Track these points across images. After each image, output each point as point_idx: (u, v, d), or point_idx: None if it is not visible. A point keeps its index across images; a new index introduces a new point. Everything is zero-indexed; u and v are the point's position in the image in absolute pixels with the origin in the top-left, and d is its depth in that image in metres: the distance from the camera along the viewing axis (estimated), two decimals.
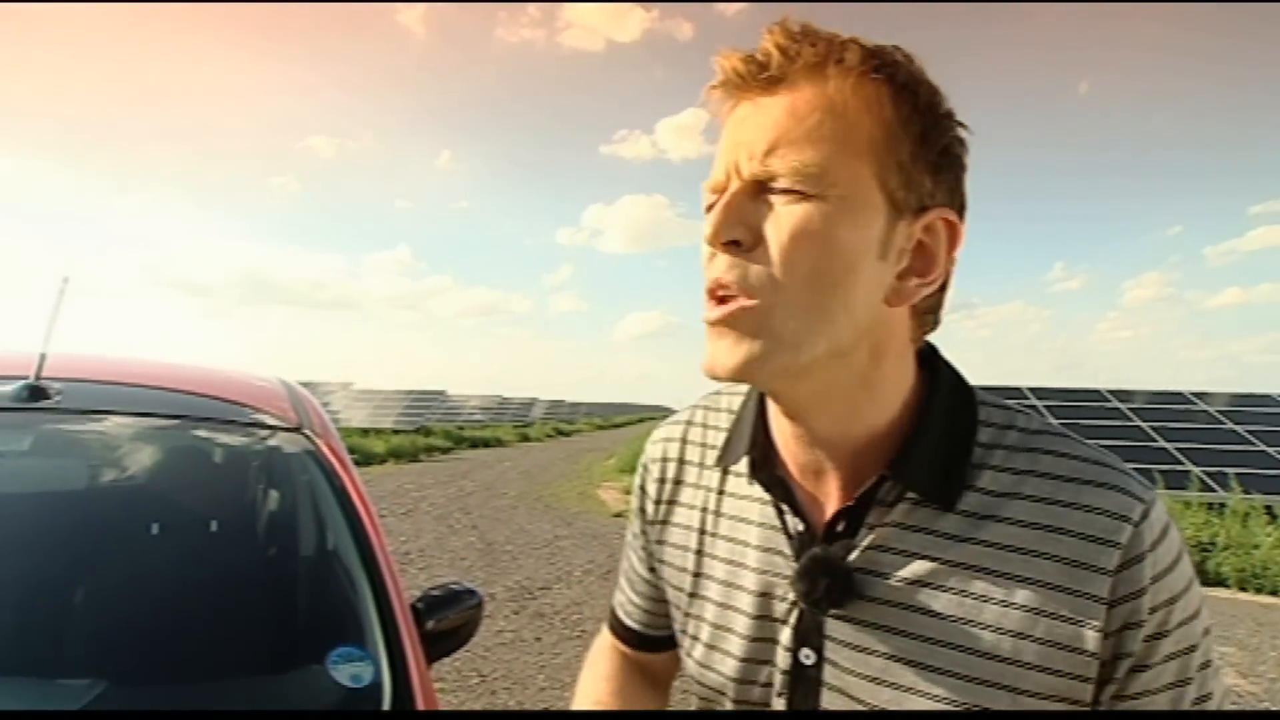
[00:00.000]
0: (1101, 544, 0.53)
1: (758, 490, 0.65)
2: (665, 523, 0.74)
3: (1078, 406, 10.80)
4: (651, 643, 0.80)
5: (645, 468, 0.77)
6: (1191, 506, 8.03)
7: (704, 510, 0.70)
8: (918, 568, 0.57)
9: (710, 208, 0.56)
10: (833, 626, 0.60)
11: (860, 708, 0.59)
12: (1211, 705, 0.55)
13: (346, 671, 1.17)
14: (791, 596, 0.62)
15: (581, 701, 0.78)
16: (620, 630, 0.82)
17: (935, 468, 0.58)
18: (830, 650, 0.60)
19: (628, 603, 0.81)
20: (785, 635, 0.62)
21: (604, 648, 0.85)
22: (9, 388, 1.40)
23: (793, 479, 0.63)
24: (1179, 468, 9.01)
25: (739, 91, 0.56)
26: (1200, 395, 11.08)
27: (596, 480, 13.97)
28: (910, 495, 0.58)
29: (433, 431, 24.15)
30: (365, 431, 21.82)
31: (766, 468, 0.64)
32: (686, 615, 0.70)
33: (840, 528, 0.60)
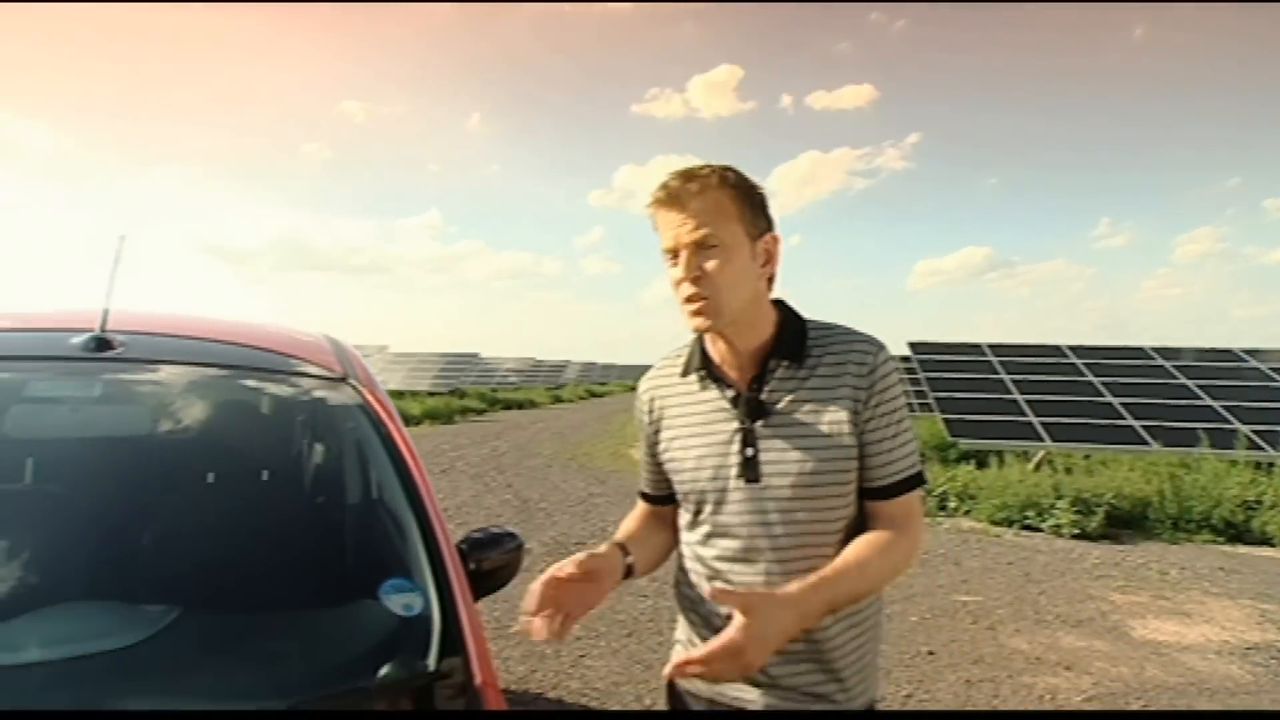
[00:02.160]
0: (861, 366, 1.19)
1: (706, 385, 1.27)
2: (657, 428, 1.34)
3: (1121, 365, 10.58)
4: (659, 500, 1.40)
5: (638, 404, 1.39)
6: (1237, 465, 7.86)
7: (677, 408, 1.31)
8: (791, 397, 1.20)
9: (674, 256, 1.19)
10: (759, 432, 1.20)
11: (781, 470, 1.18)
12: (907, 435, 1.19)
13: (398, 601, 1.24)
14: (735, 424, 1.22)
15: (622, 530, 1.37)
16: (644, 495, 1.44)
17: (792, 349, 1.22)
18: (761, 445, 1.20)
19: (644, 480, 1.43)
20: (735, 445, 1.22)
21: (636, 507, 1.45)
22: (78, 339, 1.48)
23: (723, 372, 1.26)
24: (1226, 426, 8.81)
25: (662, 205, 1.20)
26: (1252, 352, 10.75)
27: (629, 440, 14.11)
28: (783, 363, 1.22)
29: (467, 394, 24.53)
30: (401, 394, 22.26)
31: (709, 371, 1.27)
32: (676, 461, 1.29)
33: (752, 389, 1.22)
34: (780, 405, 1.19)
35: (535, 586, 1.13)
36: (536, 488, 8.92)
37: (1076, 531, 6.91)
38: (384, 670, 1.13)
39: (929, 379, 10.21)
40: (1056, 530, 6.97)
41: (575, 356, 51.18)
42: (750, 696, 1.23)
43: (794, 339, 1.22)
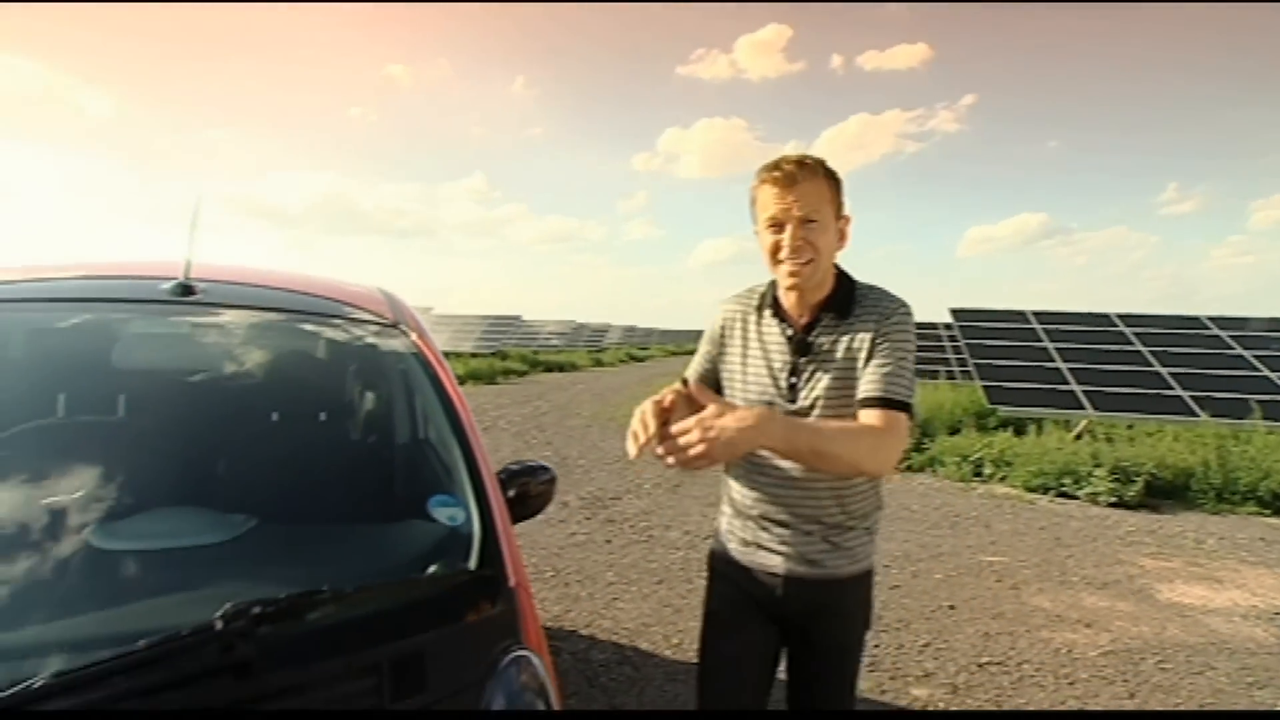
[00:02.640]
0: (882, 315, 1.51)
1: (772, 322, 1.60)
2: (724, 342, 1.67)
3: (1172, 334, 10.29)
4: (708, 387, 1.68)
5: (715, 320, 1.70)
6: None
7: (745, 333, 1.64)
8: (832, 340, 1.53)
9: (777, 227, 1.50)
10: (802, 365, 1.54)
11: (814, 397, 1.50)
12: (904, 370, 1.46)
13: (444, 514, 1.42)
14: (786, 356, 1.56)
15: (656, 395, 1.51)
16: (688, 380, 1.65)
17: (841, 305, 1.55)
18: (802, 375, 1.54)
19: (693, 373, 1.71)
20: (784, 372, 1.56)
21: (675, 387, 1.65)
22: (165, 285, 1.68)
23: (787, 315, 1.58)
24: None
25: (776, 184, 1.49)
26: None
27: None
28: (832, 315, 1.55)
29: (509, 355, 24.96)
30: (445, 355, 22.73)
31: (777, 311, 1.60)
32: (732, 371, 1.64)
33: (805, 332, 1.55)
34: (823, 347, 1.53)
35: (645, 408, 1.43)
36: (575, 446, 9.18)
37: (1114, 500, 6.87)
38: (432, 568, 1.32)
39: (970, 345, 10.11)
40: (1093, 498, 6.95)
41: (616, 321, 51.40)
42: (772, 562, 1.59)
43: (844, 297, 1.55)
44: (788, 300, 1.57)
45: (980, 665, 3.36)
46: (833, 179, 1.51)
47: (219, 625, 1.01)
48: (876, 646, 3.50)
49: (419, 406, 1.77)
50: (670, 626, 3.66)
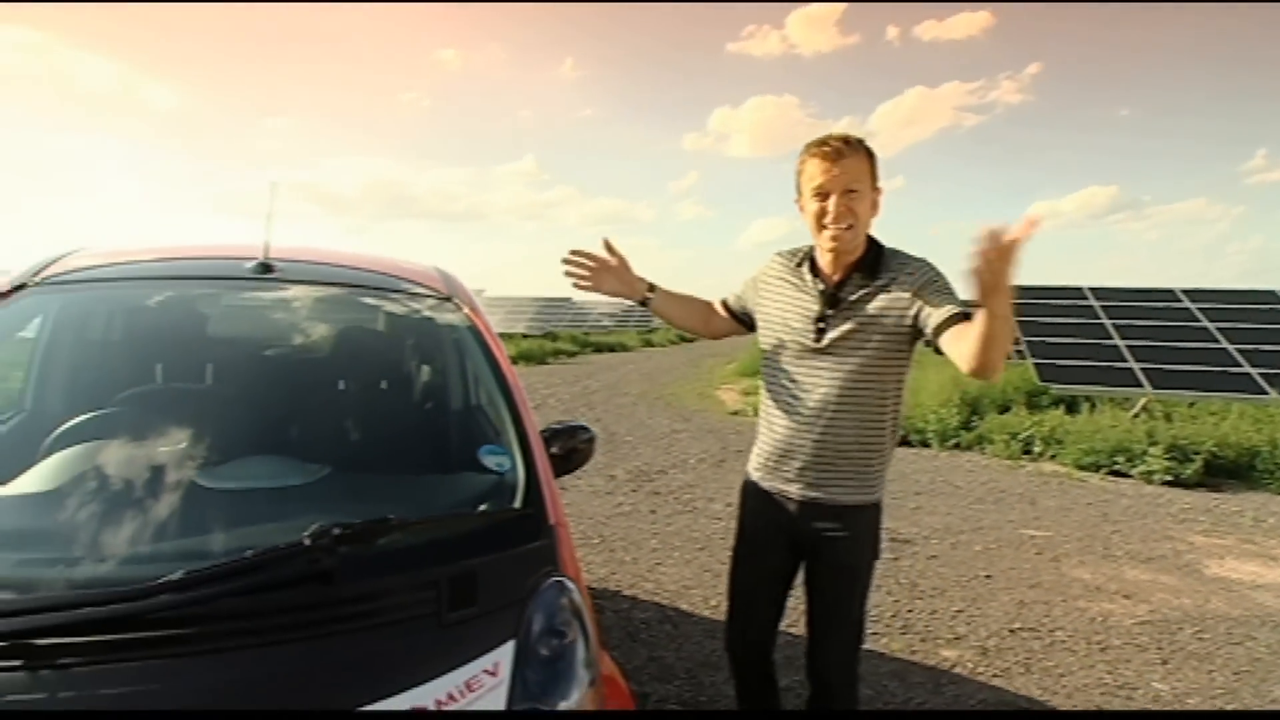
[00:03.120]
0: (914, 274, 1.76)
1: (808, 276, 1.86)
2: (763, 290, 1.95)
3: (1244, 310, 9.87)
4: (722, 308, 2.08)
5: (760, 270, 1.99)
6: None
7: (783, 282, 1.91)
8: (858, 296, 1.79)
9: (823, 196, 1.75)
10: (832, 317, 1.80)
11: (837, 343, 1.78)
12: (957, 295, 1.71)
13: (492, 461, 1.62)
14: (817, 307, 1.82)
15: (663, 299, 2.08)
16: (723, 303, 2.08)
17: (870, 267, 1.81)
18: (829, 324, 1.79)
19: (731, 297, 2.06)
20: (812, 320, 1.81)
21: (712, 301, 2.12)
22: (248, 264, 1.91)
23: (822, 271, 1.85)
24: None
25: (824, 158, 1.74)
26: None
27: (716, 382, 14.40)
28: (860, 275, 1.81)
29: (559, 336, 25.34)
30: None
31: (813, 267, 1.86)
32: (767, 315, 1.92)
33: (835, 287, 1.82)
34: (851, 300, 1.79)
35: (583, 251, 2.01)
36: (623, 423, 9.40)
37: (1169, 478, 6.74)
38: (482, 507, 1.52)
39: (1021, 323, 9.92)
40: (1147, 476, 6.83)
41: None
42: (791, 489, 1.86)
43: (873, 261, 1.81)
44: (824, 260, 1.84)
45: (1012, 631, 3.44)
46: (871, 156, 1.77)
47: (307, 542, 1.21)
48: (910, 611, 3.62)
49: (471, 371, 1.97)
50: (710, 589, 3.83)
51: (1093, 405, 8.47)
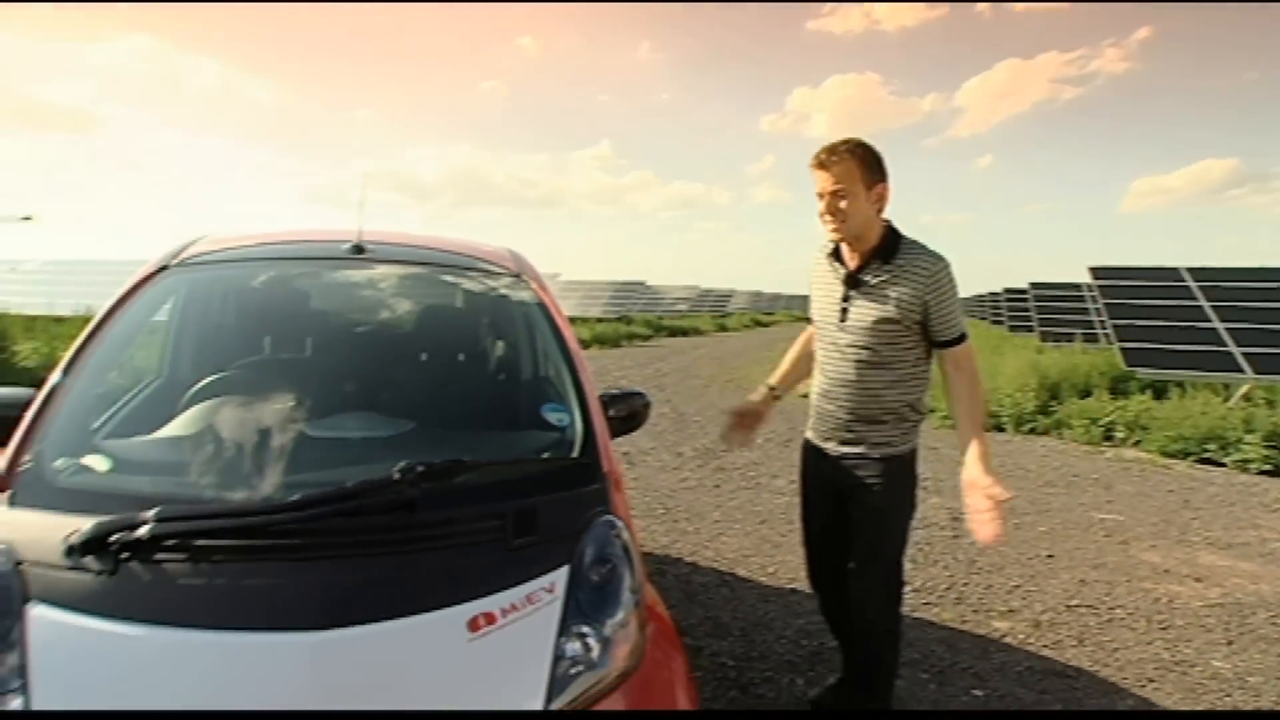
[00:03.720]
0: (926, 272, 2.03)
1: (834, 264, 2.17)
2: (812, 280, 2.27)
3: None
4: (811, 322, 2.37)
5: (810, 264, 2.29)
6: None
7: (819, 272, 2.23)
8: (875, 280, 2.07)
9: (820, 198, 2.07)
10: (851, 296, 2.10)
11: (858, 320, 2.08)
12: (955, 314, 2.05)
13: (553, 417, 1.84)
14: (841, 290, 2.13)
15: (777, 371, 2.50)
16: (813, 320, 2.31)
17: (884, 253, 2.08)
18: (850, 304, 2.11)
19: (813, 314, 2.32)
20: (838, 301, 2.14)
21: (806, 330, 2.44)
22: (344, 246, 2.18)
23: (845, 258, 2.14)
24: None
25: (816, 167, 2.07)
26: None
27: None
28: (876, 261, 2.08)
29: (633, 320, 25.66)
30: (572, 319, 23.75)
31: (838, 256, 2.16)
32: (813, 301, 2.26)
33: (855, 271, 2.11)
34: (869, 284, 2.07)
35: (726, 418, 2.40)
36: (693, 403, 9.57)
37: (1268, 467, 6.43)
38: (544, 455, 1.73)
39: (1109, 306, 9.53)
40: (1242, 465, 6.53)
41: (742, 286, 51.08)
42: (829, 445, 2.19)
43: (888, 248, 2.07)
44: (845, 249, 2.14)
45: (1069, 607, 3.46)
46: (863, 158, 2.03)
47: (395, 476, 1.45)
48: (965, 585, 3.67)
49: (537, 341, 2.20)
50: (768, 558, 3.98)
51: (1183, 390, 8.10)
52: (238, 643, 1.25)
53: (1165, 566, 4.04)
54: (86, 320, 2.00)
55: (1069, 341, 12.08)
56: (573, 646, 1.41)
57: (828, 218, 2.06)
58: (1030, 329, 15.68)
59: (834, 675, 2.58)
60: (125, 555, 1.31)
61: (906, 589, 3.48)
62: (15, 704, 1.18)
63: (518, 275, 2.29)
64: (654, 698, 1.48)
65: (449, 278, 2.28)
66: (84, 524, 1.34)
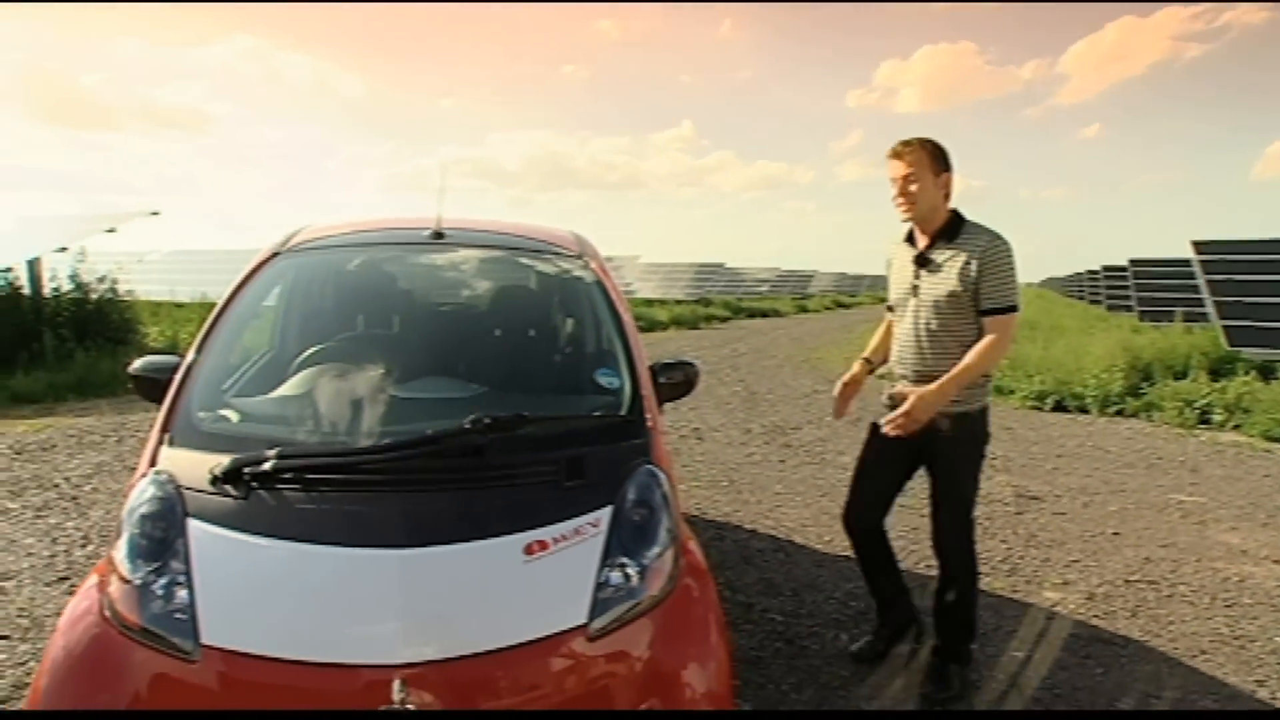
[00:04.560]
0: (982, 248, 2.33)
1: (908, 246, 2.50)
2: (890, 262, 2.61)
3: None
4: (891, 308, 2.65)
5: (886, 250, 2.65)
6: None
7: (896, 254, 2.57)
8: (942, 258, 2.39)
9: (893, 183, 2.41)
10: (921, 273, 2.43)
11: (928, 294, 2.40)
12: (1007, 286, 2.33)
13: (604, 380, 2.08)
14: (913, 267, 2.45)
15: (869, 345, 2.78)
16: (888, 307, 2.68)
17: (948, 234, 2.40)
18: (921, 280, 2.43)
19: (890, 296, 2.66)
20: (910, 277, 2.46)
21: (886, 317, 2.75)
22: (424, 232, 2.47)
23: (917, 240, 2.47)
24: None
25: (890, 157, 2.41)
26: None
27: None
28: (943, 241, 2.41)
29: (712, 302, 25.71)
30: (650, 302, 24.03)
31: (911, 238, 2.50)
32: (891, 281, 2.59)
33: (924, 250, 2.44)
34: (936, 261, 2.38)
35: (836, 392, 2.66)
36: (766, 383, 9.68)
37: None
38: (598, 411, 1.98)
39: (1212, 282, 9.00)
40: None
41: (826, 268, 50.11)
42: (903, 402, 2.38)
43: (952, 230, 2.38)
44: (917, 232, 2.47)
45: (1128, 581, 3.46)
46: (932, 151, 2.36)
47: (466, 425, 1.73)
48: (1021, 558, 3.72)
49: (596, 316, 2.44)
50: (825, 529, 4.12)
51: None
52: (341, 554, 1.55)
53: (1243, 548, 3.94)
54: (204, 305, 2.38)
55: (1169, 321, 11.45)
56: (614, 575, 1.65)
57: (899, 199, 2.38)
58: (1130, 308, 14.90)
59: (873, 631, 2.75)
60: (255, 484, 1.64)
61: None
62: (182, 595, 1.52)
63: (580, 257, 2.53)
64: (684, 620, 1.70)
65: (519, 259, 2.55)
66: (223, 459, 1.67)
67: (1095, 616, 3.11)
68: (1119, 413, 7.61)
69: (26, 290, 8.88)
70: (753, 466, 5.49)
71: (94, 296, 9.21)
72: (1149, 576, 3.54)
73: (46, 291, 9.02)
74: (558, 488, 1.73)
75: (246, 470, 1.64)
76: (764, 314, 26.35)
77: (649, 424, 1.97)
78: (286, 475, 1.65)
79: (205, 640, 1.45)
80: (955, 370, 2.30)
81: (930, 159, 2.35)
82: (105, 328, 8.89)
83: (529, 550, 1.61)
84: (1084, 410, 7.77)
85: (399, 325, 2.51)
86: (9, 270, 8.85)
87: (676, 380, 2.39)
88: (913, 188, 2.34)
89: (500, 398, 2.10)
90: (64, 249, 8.92)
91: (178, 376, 1.98)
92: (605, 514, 1.71)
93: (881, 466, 2.59)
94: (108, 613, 1.53)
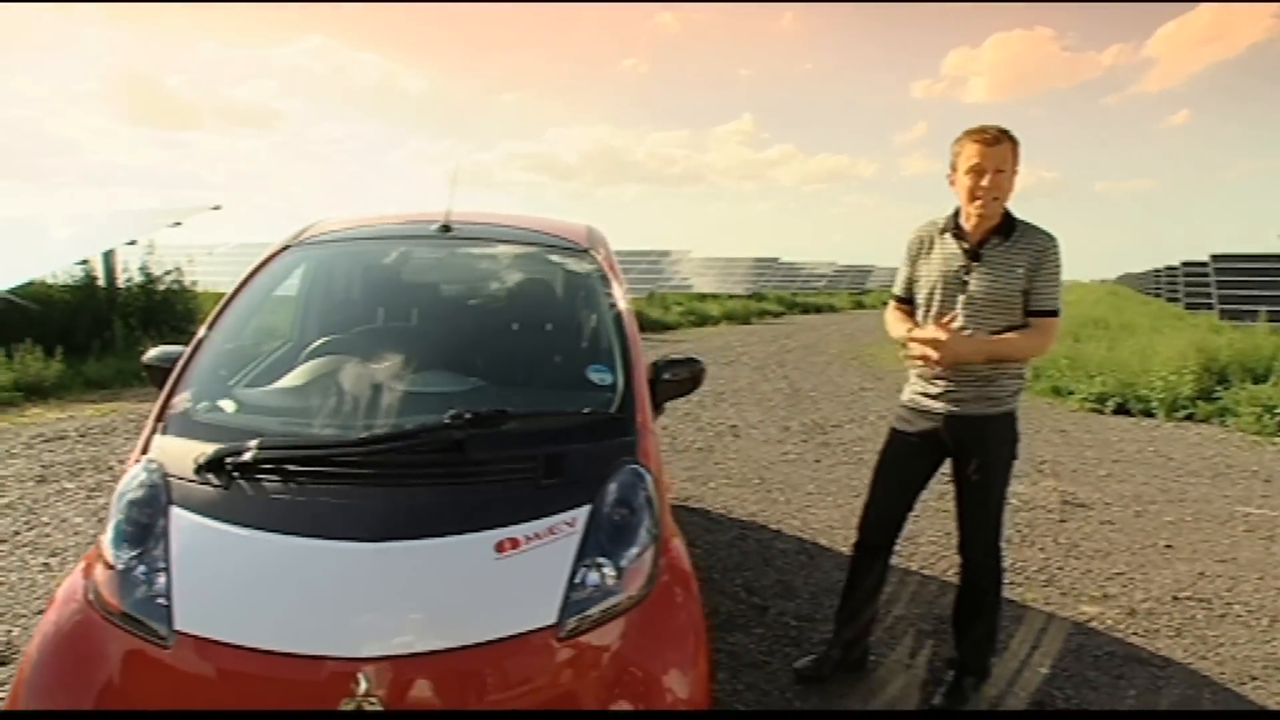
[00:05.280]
0: (1037, 249, 2.23)
1: (952, 240, 2.31)
2: (917, 255, 2.40)
3: None
4: (905, 300, 2.47)
5: (911, 239, 2.42)
6: None
7: (931, 247, 2.37)
8: (994, 254, 2.25)
9: (978, 174, 2.19)
10: (974, 269, 2.26)
11: (978, 290, 2.24)
12: (1053, 290, 2.24)
13: (596, 376, 2.04)
14: (962, 261, 2.28)
15: (895, 325, 2.48)
16: (896, 298, 2.51)
17: (1004, 232, 2.26)
18: (971, 276, 2.26)
19: (899, 287, 2.48)
20: (959, 272, 2.28)
21: (890, 308, 2.53)
22: (432, 226, 2.47)
23: (966, 234, 2.29)
24: None
25: (982, 144, 2.20)
26: None
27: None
28: (996, 238, 2.26)
29: (766, 297, 25.38)
30: (703, 296, 23.85)
31: (958, 231, 2.31)
32: (923, 276, 2.37)
33: (976, 245, 2.27)
34: (989, 257, 2.24)
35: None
36: (811, 379, 9.48)
37: None
38: (587, 408, 1.94)
39: None
40: None
41: (884, 262, 48.88)
42: (934, 404, 2.33)
43: (1007, 228, 2.25)
44: (969, 224, 2.29)
45: (1176, 598, 3.24)
46: (1015, 144, 2.21)
47: (446, 420, 1.71)
48: (1059, 569, 3.53)
49: (595, 310, 2.40)
50: (854, 531, 3.98)
51: None
52: (313, 546, 1.56)
53: None
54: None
55: (1252, 320, 10.74)
56: (591, 575, 1.62)
57: (981, 191, 2.18)
58: (1210, 307, 14.03)
59: (896, 643, 2.64)
60: (236, 474, 1.66)
61: None
62: (162, 581, 1.55)
63: (585, 250, 2.50)
64: (662, 623, 1.66)
65: (522, 253, 2.53)
66: (209, 449, 1.70)
67: (1135, 634, 2.92)
68: (1188, 417, 7.17)
69: (102, 281, 9.39)
70: (786, 465, 5.37)
71: (160, 287, 9.67)
72: (1201, 594, 3.31)
73: (120, 282, 9.51)
74: (535, 485, 1.70)
75: (228, 460, 1.67)
76: (819, 309, 25.89)
77: (638, 422, 1.92)
78: (266, 466, 1.66)
79: (179, 626, 1.48)
80: (998, 340, 2.21)
81: (1014, 154, 2.20)
82: (170, 317, 9.34)
83: (500, 548, 1.58)
84: (1149, 414, 7.35)
85: (400, 318, 2.53)
86: (85, 262, 9.36)
87: (682, 377, 2.33)
88: (1005, 182, 2.19)
89: (491, 392, 2.09)
90: (134, 242, 9.38)
91: (177, 366, 2.02)
92: (583, 513, 1.68)
93: (902, 475, 2.47)
94: (91, 597, 1.57)
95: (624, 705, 1.53)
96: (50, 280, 9.60)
